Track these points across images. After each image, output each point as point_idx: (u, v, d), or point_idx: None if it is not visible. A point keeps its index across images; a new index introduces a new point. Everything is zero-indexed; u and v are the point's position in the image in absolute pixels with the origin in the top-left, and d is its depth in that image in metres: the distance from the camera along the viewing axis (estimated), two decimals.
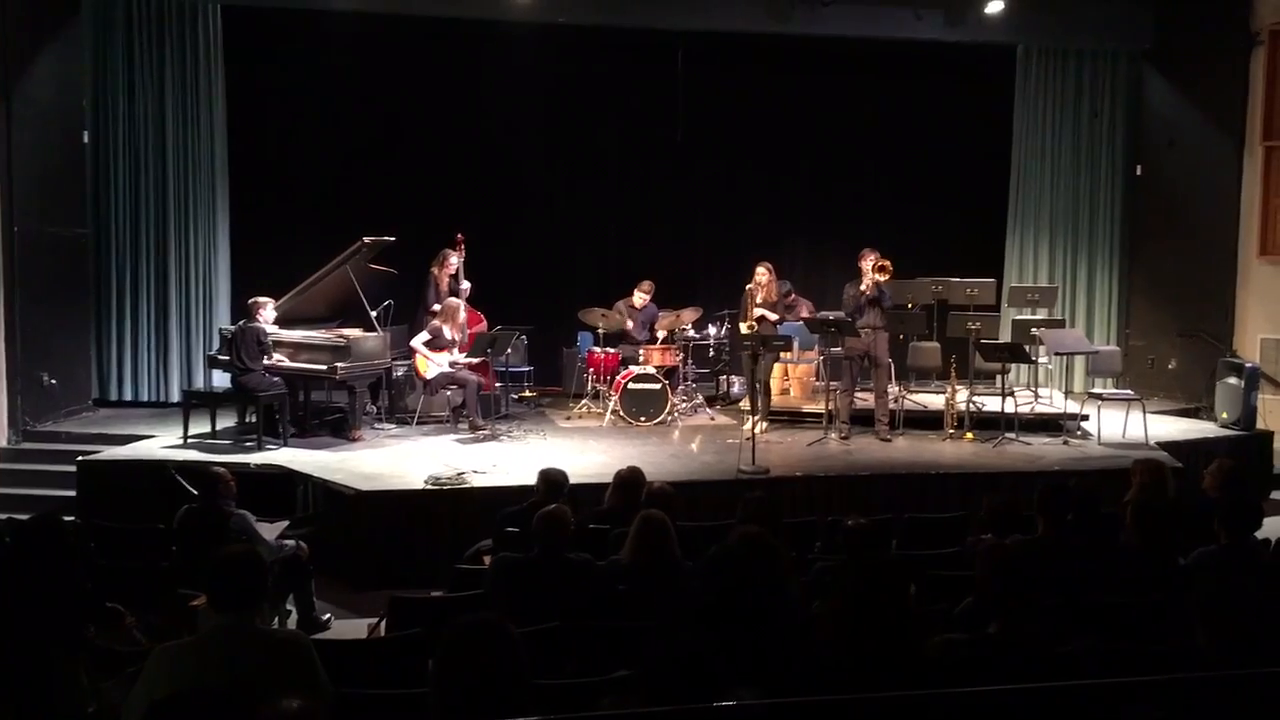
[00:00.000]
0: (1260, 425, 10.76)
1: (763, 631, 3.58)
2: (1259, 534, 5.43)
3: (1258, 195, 11.47)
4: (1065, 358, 11.64)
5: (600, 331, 10.88)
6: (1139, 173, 12.75)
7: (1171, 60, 12.34)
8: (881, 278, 9.74)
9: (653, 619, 4.47)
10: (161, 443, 9.37)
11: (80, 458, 8.87)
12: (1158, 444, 9.69)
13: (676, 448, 9.66)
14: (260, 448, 9.04)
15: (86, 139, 10.96)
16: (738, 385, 11.72)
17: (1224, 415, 10.79)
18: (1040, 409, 10.66)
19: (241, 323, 9.43)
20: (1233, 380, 10.78)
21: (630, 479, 6.31)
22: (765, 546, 4.05)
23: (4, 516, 6.98)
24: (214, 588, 3.43)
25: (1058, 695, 2.77)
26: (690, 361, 11.26)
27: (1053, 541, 5.10)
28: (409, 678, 4.16)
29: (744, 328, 10.54)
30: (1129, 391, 10.48)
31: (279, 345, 9.50)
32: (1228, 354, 11.36)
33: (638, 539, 4.93)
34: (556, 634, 4.17)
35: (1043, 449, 9.62)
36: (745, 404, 10.69)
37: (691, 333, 11.23)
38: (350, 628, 6.72)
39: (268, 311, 9.39)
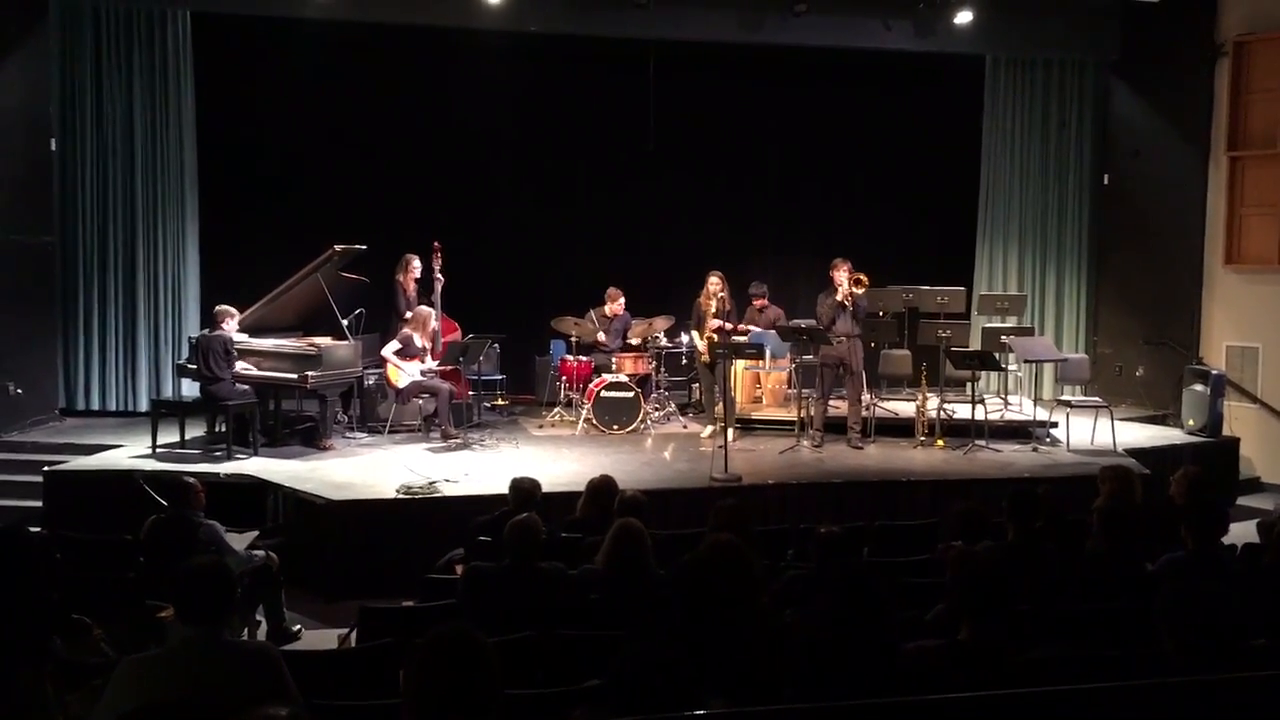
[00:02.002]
0: (1226, 432, 10.89)
1: (734, 640, 3.58)
2: (1226, 540, 5.48)
3: (1223, 204, 11.62)
4: (1034, 365, 11.71)
5: (573, 340, 10.87)
6: (1106, 182, 12.87)
7: (1138, 71, 12.49)
8: (858, 291, 9.78)
9: (626, 628, 4.47)
10: (129, 452, 9.28)
11: (46, 468, 8.77)
12: (1125, 451, 9.78)
13: (649, 455, 9.67)
14: (230, 457, 8.97)
15: (54, 145, 10.85)
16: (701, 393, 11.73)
17: (1190, 422, 10.91)
18: (1010, 416, 10.73)
19: (206, 331, 9.35)
20: (1199, 387, 10.90)
21: (602, 487, 6.31)
22: (736, 554, 4.05)
23: None
24: (182, 600, 3.39)
25: (1032, 701, 2.78)
26: (663, 370, 11.27)
27: (1022, 548, 5.13)
28: (380, 688, 4.14)
29: (701, 343, 10.52)
30: (1097, 399, 10.58)
31: (249, 354, 9.44)
32: (1194, 361, 11.49)
33: (612, 547, 4.93)
34: (528, 643, 4.15)
35: (1012, 456, 9.69)
36: (719, 411, 10.70)
37: (664, 341, 11.24)
38: (321, 638, 6.68)
39: (232, 321, 9.32)
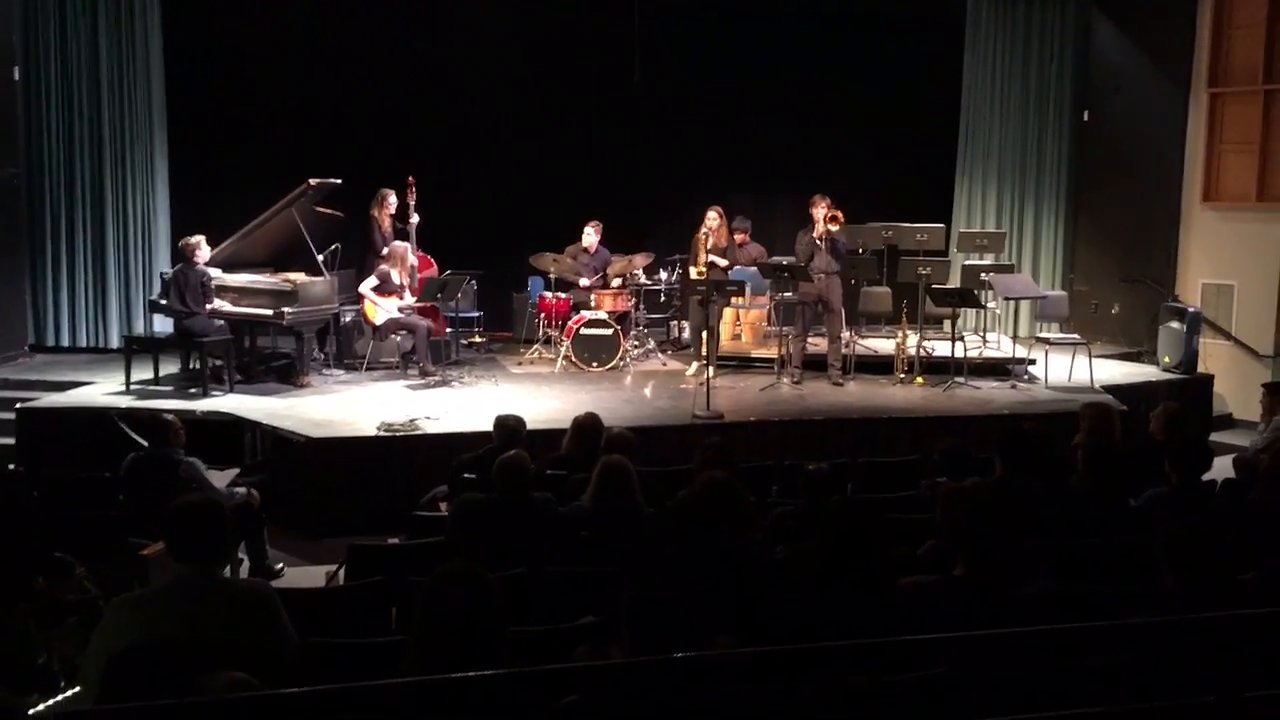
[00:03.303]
0: (1201, 369, 10.98)
1: (733, 576, 3.58)
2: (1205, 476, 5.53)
3: (1202, 142, 11.58)
4: (1012, 303, 11.75)
5: (551, 276, 10.77)
6: (1086, 119, 12.81)
7: (1119, 6, 12.38)
8: (833, 228, 9.72)
9: (616, 565, 4.46)
10: (103, 389, 9.14)
11: (19, 405, 8.63)
12: (1103, 387, 9.85)
13: (629, 393, 9.64)
14: (206, 394, 8.86)
15: (17, 75, 10.55)
16: (689, 330, 11.69)
17: (1166, 359, 10.99)
18: (988, 354, 10.77)
19: (180, 266, 9.18)
20: (1175, 325, 10.97)
21: (589, 425, 6.27)
22: (730, 491, 4.04)
23: None
24: (175, 537, 3.33)
25: (1039, 639, 2.79)
26: (641, 307, 11.21)
27: (1010, 484, 5.15)
28: (373, 625, 4.13)
29: (694, 272, 10.50)
30: (1075, 336, 10.62)
31: (224, 290, 9.28)
32: (1170, 299, 11.54)
33: (600, 484, 4.91)
34: (522, 580, 4.14)
35: (991, 393, 9.73)
36: (694, 349, 10.68)
37: (643, 278, 11.16)
38: (304, 575, 6.67)
39: (203, 251, 9.13)
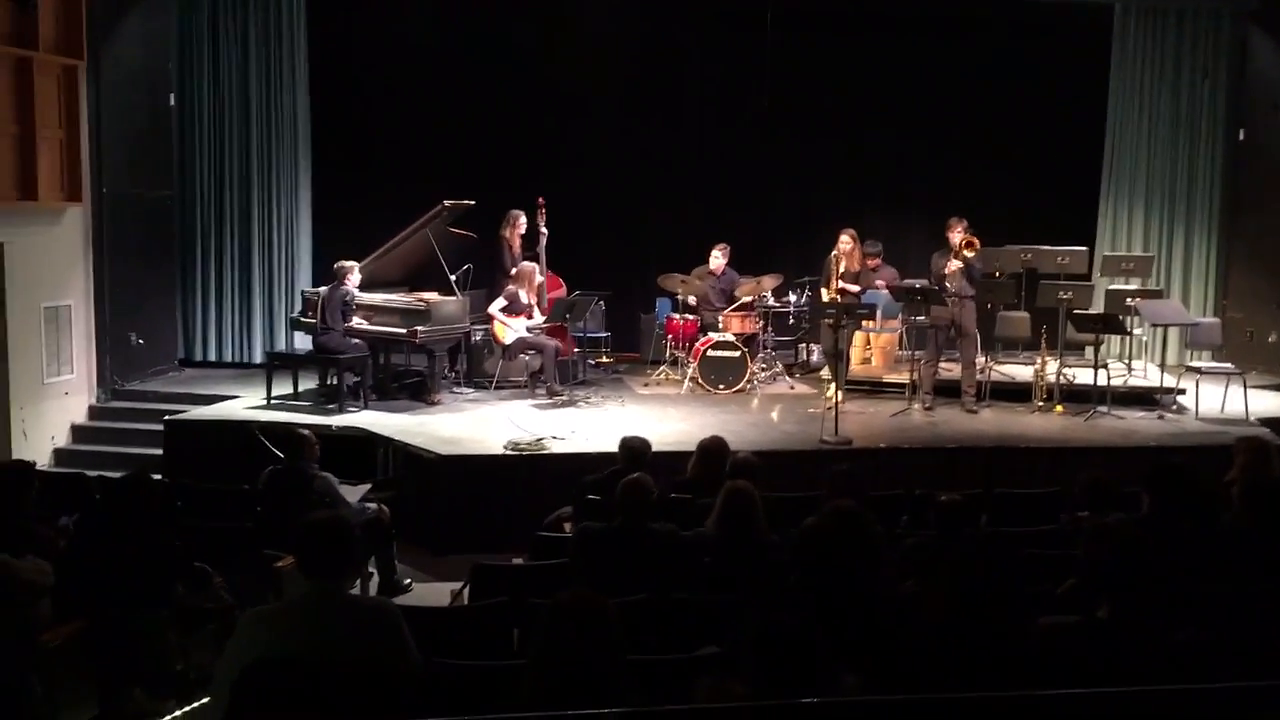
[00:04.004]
0: None
1: (859, 610, 3.46)
2: None
3: None
4: (1160, 330, 11.24)
5: (679, 298, 10.74)
6: (1241, 138, 12.21)
7: (1279, 20, 11.77)
8: (969, 254, 9.46)
9: (739, 593, 4.38)
10: (245, 403, 9.48)
11: (167, 417, 9.01)
12: (1258, 420, 9.32)
13: (756, 416, 9.53)
14: (341, 410, 9.09)
15: (173, 101, 11.07)
16: (817, 354, 11.52)
17: None
18: (1133, 382, 10.31)
19: (332, 285, 9.46)
20: None
21: (714, 448, 6.20)
22: (858, 522, 3.93)
23: (95, 474, 7.10)
24: (304, 553, 3.38)
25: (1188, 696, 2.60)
26: (769, 329, 11.09)
27: (1158, 521, 4.88)
28: (495, 646, 4.13)
29: (825, 295, 10.33)
30: (1228, 365, 10.09)
31: (360, 308, 9.53)
32: None
33: (724, 510, 4.83)
34: (642, 606, 4.08)
35: (1136, 423, 9.31)
36: (826, 373, 10.50)
37: (771, 300, 11.04)
38: (430, 592, 6.74)
39: (355, 275, 9.42)
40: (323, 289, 9.58)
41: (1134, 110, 12.27)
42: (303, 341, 10.53)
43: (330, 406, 9.21)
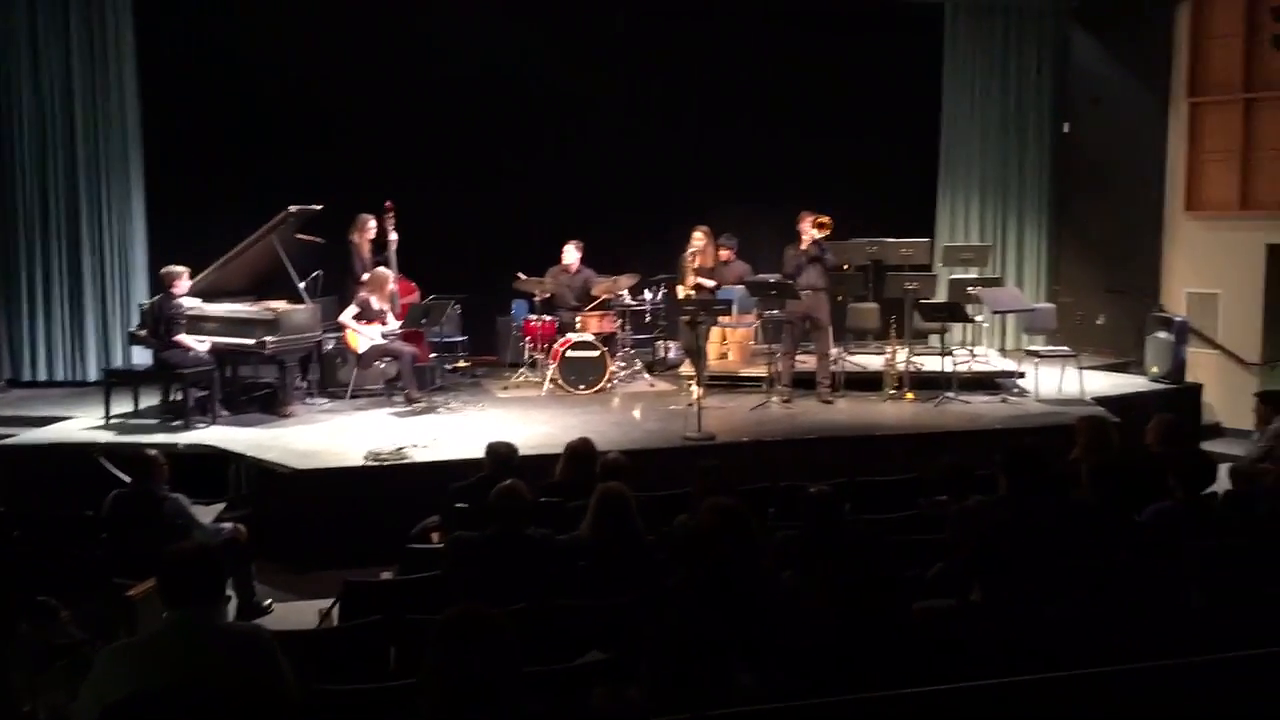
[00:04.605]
0: (1190, 378, 10.96)
1: (745, 607, 3.48)
2: None
3: (1183, 151, 11.63)
4: (999, 316, 11.72)
5: (536, 299, 10.66)
6: (1066, 130, 12.84)
7: (1098, 18, 12.43)
8: (820, 234, 9.67)
9: (618, 596, 4.35)
10: (82, 424, 8.96)
11: None
12: (1093, 399, 9.81)
13: (618, 415, 9.53)
14: (188, 426, 8.69)
15: None
16: (674, 350, 11.61)
17: (1154, 369, 10.98)
18: (977, 368, 10.71)
19: (159, 297, 9.02)
20: (1162, 335, 10.96)
21: (582, 450, 6.18)
22: (739, 518, 3.95)
23: None
24: (170, 582, 3.19)
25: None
26: (627, 328, 11.11)
27: (1015, 503, 5.06)
28: (371, 667, 4.00)
29: (681, 292, 10.41)
30: (1064, 348, 10.58)
31: (204, 320, 9.13)
32: (1156, 309, 11.54)
33: (598, 513, 4.80)
34: (524, 616, 4.01)
35: (982, 408, 9.68)
36: (685, 369, 10.58)
37: (628, 298, 11.06)
38: (293, 611, 6.51)
39: (184, 283, 8.98)
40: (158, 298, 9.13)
41: (966, 105, 12.77)
42: (142, 356, 10.03)
43: (176, 423, 8.80)
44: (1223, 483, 6.93)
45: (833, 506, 5.05)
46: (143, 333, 9.26)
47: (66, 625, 4.80)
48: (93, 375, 10.67)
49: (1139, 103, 12.01)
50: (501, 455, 6.13)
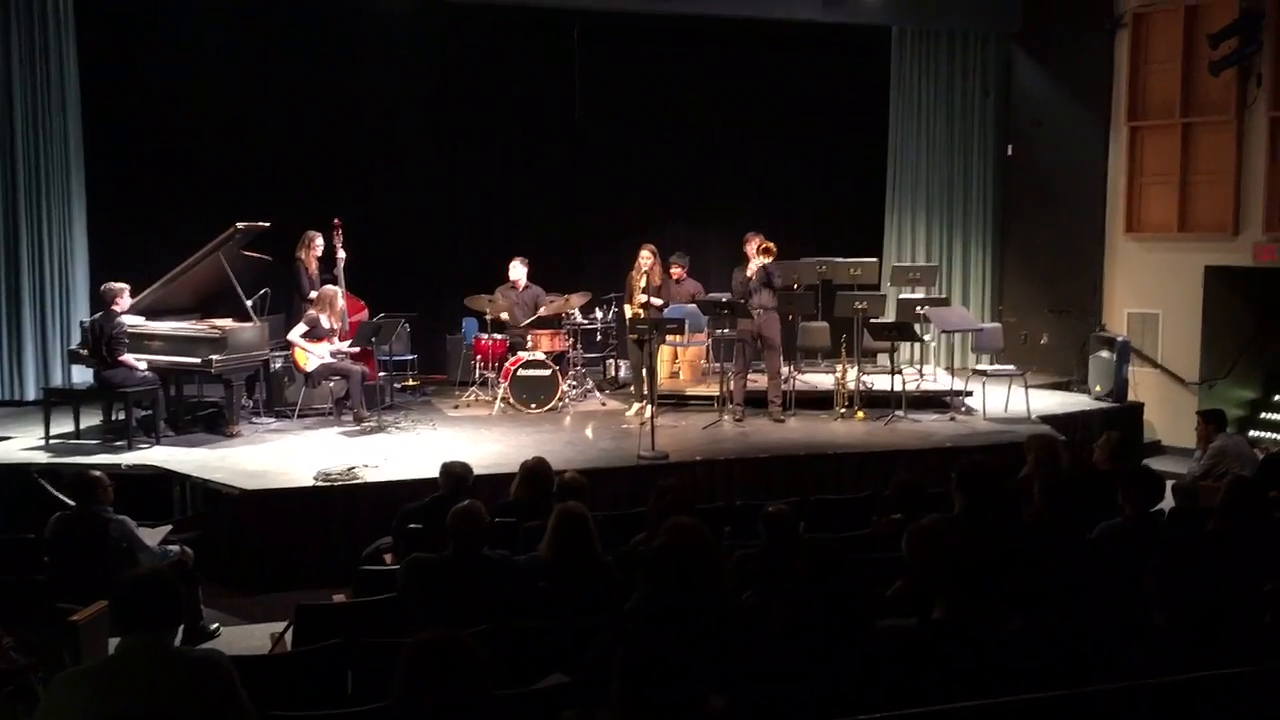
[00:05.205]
0: (1131, 397, 11.16)
1: (710, 628, 3.46)
2: None
3: (1123, 174, 11.87)
4: (946, 335, 11.86)
5: (487, 317, 10.61)
6: (1010, 153, 13.06)
7: (1040, 42, 12.68)
8: (765, 260, 9.73)
9: (578, 617, 4.31)
10: (20, 444, 8.73)
11: None
12: (1039, 417, 9.95)
13: (571, 434, 9.49)
14: (131, 447, 8.52)
15: None
16: (625, 369, 11.60)
17: (1098, 388, 11.16)
18: (926, 386, 10.83)
19: (99, 314, 8.84)
20: (1105, 354, 11.16)
21: (538, 469, 6.12)
22: (701, 538, 3.93)
23: None
24: (124, 609, 3.11)
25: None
26: (579, 346, 11.08)
27: (972, 520, 5.11)
28: (328, 693, 3.93)
29: (630, 311, 10.41)
30: (1011, 367, 10.72)
31: (148, 338, 8.96)
32: (1098, 329, 11.75)
33: (557, 533, 4.75)
34: (485, 637, 3.96)
35: (932, 426, 9.77)
36: (634, 388, 10.58)
37: (579, 317, 11.04)
38: (242, 634, 6.39)
39: (124, 300, 8.81)
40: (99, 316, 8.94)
41: (913, 127, 12.94)
42: (83, 375, 9.81)
43: (118, 444, 8.61)
44: (1167, 500, 7.08)
45: (790, 525, 5.08)
46: (84, 351, 9.06)
47: (8, 651, 4.66)
48: (31, 394, 10.39)
49: (1080, 126, 12.25)
50: (456, 475, 6.07)
